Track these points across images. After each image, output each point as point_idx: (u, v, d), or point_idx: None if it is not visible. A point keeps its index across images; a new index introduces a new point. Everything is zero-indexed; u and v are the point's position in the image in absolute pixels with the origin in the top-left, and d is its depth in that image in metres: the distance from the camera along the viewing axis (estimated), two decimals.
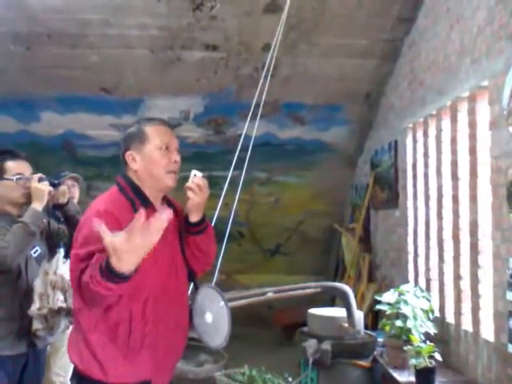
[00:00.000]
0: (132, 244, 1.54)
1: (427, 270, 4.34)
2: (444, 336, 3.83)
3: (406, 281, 4.62)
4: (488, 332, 3.27)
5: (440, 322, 3.90)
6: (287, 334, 6.72)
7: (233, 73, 5.50)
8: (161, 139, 2.04)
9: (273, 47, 4.14)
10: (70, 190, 3.34)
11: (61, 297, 2.62)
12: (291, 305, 6.06)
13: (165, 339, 2.00)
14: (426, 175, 4.41)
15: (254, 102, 4.18)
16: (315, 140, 6.33)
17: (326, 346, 3.54)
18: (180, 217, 2.19)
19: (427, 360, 3.28)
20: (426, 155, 4.42)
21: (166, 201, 2.15)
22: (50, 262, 2.71)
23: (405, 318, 3.63)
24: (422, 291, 3.88)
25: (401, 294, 3.76)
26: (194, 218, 2.12)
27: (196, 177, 2.08)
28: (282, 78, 5.44)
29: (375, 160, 5.85)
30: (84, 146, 6.38)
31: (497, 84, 3.14)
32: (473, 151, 3.51)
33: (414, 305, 3.68)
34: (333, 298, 6.10)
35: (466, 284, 3.62)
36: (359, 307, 4.40)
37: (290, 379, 4.17)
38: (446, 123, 4.02)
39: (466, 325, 3.58)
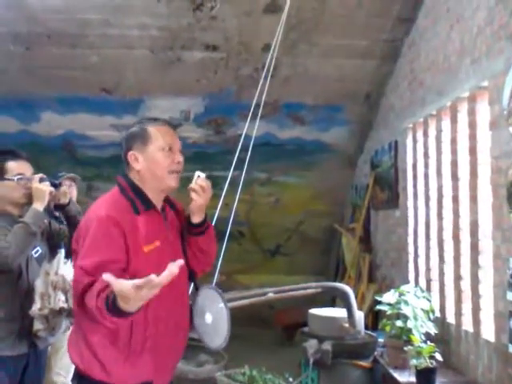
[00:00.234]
0: (139, 294, 1.59)
1: (427, 270, 4.34)
2: (444, 336, 3.83)
3: (407, 281, 4.62)
4: (488, 332, 3.27)
5: (440, 322, 3.90)
6: (288, 334, 6.72)
7: (233, 73, 5.50)
8: (164, 140, 2.03)
9: (273, 47, 4.14)
10: (68, 190, 3.34)
11: (62, 297, 2.62)
12: (292, 305, 6.06)
13: (166, 340, 2.00)
14: (426, 175, 4.41)
15: (254, 102, 4.18)
16: (315, 140, 6.34)
17: (327, 346, 3.54)
18: (181, 217, 2.19)
19: (428, 360, 3.28)
20: (426, 155, 4.42)
21: (168, 201, 2.15)
22: (51, 263, 2.70)
23: (405, 318, 3.63)
24: (422, 291, 3.88)
25: (401, 294, 3.76)
26: (196, 219, 2.12)
27: (199, 178, 2.08)
28: (282, 79, 5.44)
29: (375, 160, 5.85)
30: (84, 147, 6.37)
31: (497, 84, 3.14)
32: (473, 151, 3.51)
33: (415, 305, 3.68)
34: (333, 298, 6.10)
35: (466, 284, 3.62)
36: (359, 307, 4.40)
37: (291, 379, 4.17)
38: (446, 123, 4.02)
39: (467, 325, 3.58)
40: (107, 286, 1.70)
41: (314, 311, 3.91)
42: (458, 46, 3.76)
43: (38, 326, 2.58)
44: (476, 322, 3.42)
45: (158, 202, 2.07)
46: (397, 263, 5.16)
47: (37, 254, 2.67)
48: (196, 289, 2.17)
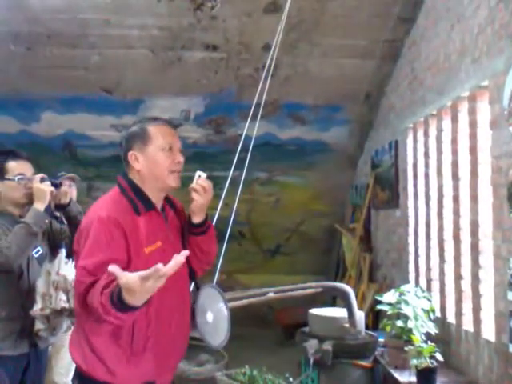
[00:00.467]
0: (145, 286, 1.58)
1: (428, 270, 4.34)
2: (445, 336, 3.83)
3: (407, 281, 4.62)
4: (489, 332, 3.27)
5: (441, 322, 3.90)
6: (288, 334, 6.72)
7: (233, 73, 5.50)
8: (164, 140, 2.03)
9: (273, 47, 4.14)
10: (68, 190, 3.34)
11: (63, 297, 2.62)
12: (292, 305, 6.06)
13: (168, 340, 2.01)
14: (426, 175, 4.41)
15: (255, 102, 4.18)
16: (316, 140, 6.33)
17: (327, 346, 3.54)
18: (181, 216, 2.19)
19: (428, 360, 3.28)
20: (426, 155, 4.42)
21: (168, 200, 2.15)
22: (53, 263, 2.70)
23: (406, 318, 3.63)
24: (422, 291, 3.88)
25: (401, 294, 3.76)
26: (197, 219, 2.12)
27: (201, 178, 2.07)
28: (283, 78, 5.44)
29: (376, 160, 5.85)
30: (84, 147, 6.37)
31: (497, 84, 3.14)
32: (473, 151, 3.51)
33: (415, 305, 3.67)
34: (334, 298, 6.11)
35: (466, 284, 3.62)
36: (360, 307, 4.41)
37: (291, 379, 4.16)
38: (446, 123, 4.02)
39: (467, 325, 3.58)
40: (110, 282, 1.70)
41: (314, 311, 3.91)
42: (459, 45, 3.75)
43: (39, 325, 2.58)
44: (476, 321, 3.41)
45: (158, 201, 2.07)
46: (397, 263, 5.16)
47: (37, 254, 2.68)
48: (197, 288, 2.17)
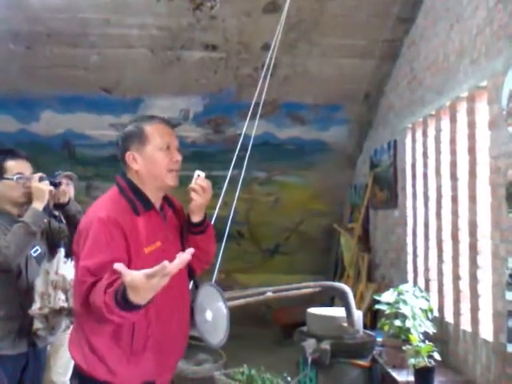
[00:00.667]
0: (151, 284, 1.58)
1: (426, 269, 4.35)
2: (443, 336, 3.84)
3: (405, 281, 4.63)
4: (487, 332, 3.28)
5: (439, 321, 3.91)
6: (286, 333, 6.72)
7: (232, 72, 5.50)
8: (162, 139, 2.02)
9: (272, 47, 4.14)
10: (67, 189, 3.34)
11: (62, 296, 2.63)
12: (290, 304, 6.06)
13: (168, 339, 2.01)
14: (425, 175, 4.41)
15: (254, 101, 4.18)
16: (315, 140, 6.34)
17: (325, 345, 3.54)
18: (180, 215, 2.19)
19: (426, 360, 3.28)
20: (425, 155, 4.42)
21: (166, 199, 2.15)
22: (51, 262, 2.71)
23: (404, 317, 3.63)
24: (421, 291, 3.88)
25: (400, 293, 3.77)
26: (196, 218, 2.12)
27: (199, 178, 2.07)
28: (282, 78, 5.44)
29: (374, 160, 5.86)
30: (83, 146, 6.37)
31: (496, 84, 3.14)
32: (472, 151, 3.51)
33: (413, 304, 3.68)
34: (332, 297, 6.11)
35: (465, 284, 3.62)
36: (358, 307, 4.41)
37: (289, 379, 4.17)
38: (445, 123, 4.02)
39: (465, 324, 3.59)
40: (113, 281, 1.70)
41: (312, 310, 3.92)
42: (458, 45, 3.76)
43: (37, 325, 2.59)
44: (474, 321, 3.42)
45: (156, 201, 2.07)
46: (396, 263, 5.16)
47: (36, 254, 2.67)
48: (196, 287, 2.17)
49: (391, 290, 3.86)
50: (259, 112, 4.18)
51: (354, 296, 4.07)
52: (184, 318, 2.10)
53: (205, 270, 2.37)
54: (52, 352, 3.45)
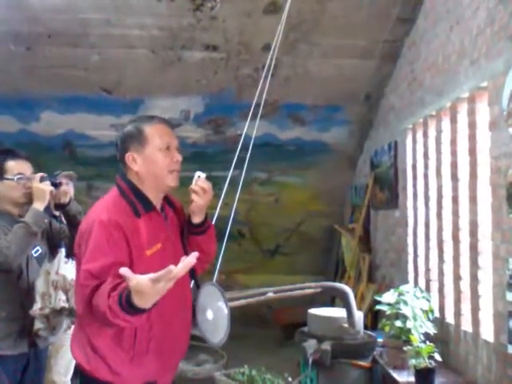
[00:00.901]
0: (156, 288, 1.59)
1: (427, 270, 4.35)
2: (444, 336, 3.84)
3: (406, 281, 4.62)
4: (488, 332, 3.28)
5: (440, 322, 3.91)
6: (287, 333, 6.72)
7: (233, 73, 5.51)
8: (161, 140, 2.01)
9: (273, 47, 4.14)
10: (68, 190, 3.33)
11: (63, 297, 2.63)
12: (291, 305, 6.06)
13: (170, 340, 2.01)
14: (425, 176, 4.41)
15: (254, 102, 4.18)
16: (315, 140, 6.34)
17: (326, 346, 3.54)
18: (181, 215, 2.19)
19: (427, 360, 3.28)
20: (425, 156, 4.42)
21: (167, 199, 2.15)
22: (52, 262, 2.71)
23: (404, 318, 3.63)
24: (421, 291, 3.88)
25: (400, 294, 3.77)
26: (197, 219, 2.12)
27: (200, 179, 2.06)
28: (282, 79, 5.44)
29: (375, 160, 5.86)
30: (84, 146, 6.37)
31: (496, 85, 3.14)
32: (472, 152, 3.51)
33: (414, 305, 3.68)
34: (333, 298, 6.10)
35: (465, 284, 3.62)
36: (359, 307, 4.41)
37: (290, 379, 4.17)
38: (445, 124, 4.02)
39: (466, 325, 3.58)
40: (117, 285, 1.70)
41: (313, 311, 3.92)
42: (458, 46, 3.76)
43: (38, 325, 2.58)
44: (475, 322, 3.42)
45: (157, 201, 2.07)
46: (396, 263, 5.16)
47: (37, 254, 2.67)
48: (197, 286, 2.17)
49: (392, 290, 3.86)
50: (260, 113, 4.18)
51: (355, 296, 4.07)
52: (186, 319, 2.10)
53: (205, 271, 2.37)
54: (53, 352, 3.44)
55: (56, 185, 2.69)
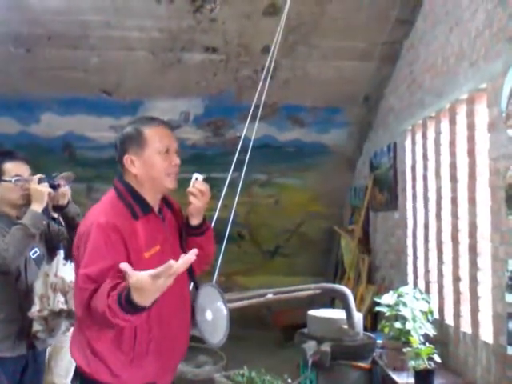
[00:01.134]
0: (156, 284, 1.58)
1: (426, 271, 4.35)
2: (443, 338, 3.84)
3: (406, 283, 4.62)
4: (487, 334, 3.28)
5: (439, 323, 3.91)
6: (287, 335, 6.71)
7: (232, 75, 5.51)
8: (161, 143, 1.99)
9: (272, 49, 4.14)
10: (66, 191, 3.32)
11: (61, 299, 2.62)
12: (291, 306, 6.06)
13: (169, 341, 2.01)
14: (424, 177, 4.42)
15: (254, 103, 4.18)
16: (315, 142, 6.34)
17: (326, 347, 3.54)
18: (179, 217, 2.19)
19: (426, 362, 3.28)
20: (425, 157, 4.43)
21: (165, 200, 2.14)
22: (50, 264, 2.70)
23: (404, 319, 3.63)
24: (421, 293, 3.89)
25: (400, 295, 3.77)
26: (195, 221, 2.11)
27: (198, 181, 2.05)
28: (282, 81, 5.45)
29: (374, 162, 5.86)
30: (84, 148, 6.38)
31: (495, 86, 3.15)
32: (471, 153, 3.52)
33: (413, 307, 3.68)
34: (332, 299, 6.10)
35: (465, 286, 3.62)
36: (358, 309, 4.41)
37: (290, 381, 4.17)
38: (444, 125, 4.03)
39: (465, 327, 3.58)
40: (116, 284, 1.70)
41: (312, 312, 3.92)
42: (457, 48, 3.76)
43: (36, 327, 2.58)
44: (474, 323, 3.42)
45: (155, 203, 2.06)
46: (396, 265, 5.16)
47: (35, 256, 2.67)
48: (196, 287, 2.17)
49: (391, 292, 3.87)
50: (259, 114, 4.18)
51: (355, 298, 4.07)
52: (185, 320, 2.10)
53: (205, 272, 2.37)
54: (53, 354, 3.44)
55: (54, 186, 2.68)
